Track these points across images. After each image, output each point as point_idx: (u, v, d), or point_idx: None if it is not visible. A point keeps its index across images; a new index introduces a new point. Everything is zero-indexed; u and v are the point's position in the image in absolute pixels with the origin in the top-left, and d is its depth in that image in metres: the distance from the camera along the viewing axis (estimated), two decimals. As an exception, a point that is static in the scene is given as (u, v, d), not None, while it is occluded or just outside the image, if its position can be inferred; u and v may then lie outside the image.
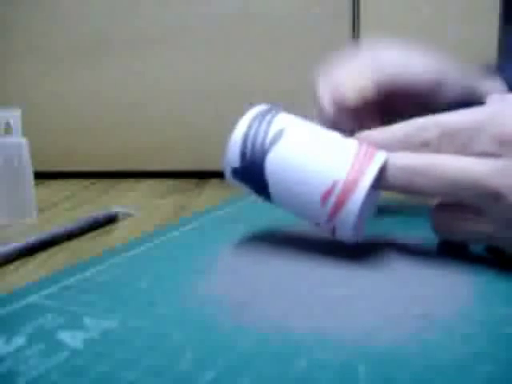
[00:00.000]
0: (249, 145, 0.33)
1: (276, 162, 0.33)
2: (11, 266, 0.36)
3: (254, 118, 0.34)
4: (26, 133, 0.50)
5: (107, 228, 0.46)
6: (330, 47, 0.71)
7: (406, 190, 0.31)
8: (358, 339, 0.23)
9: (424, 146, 0.31)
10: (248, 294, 0.28)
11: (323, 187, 0.31)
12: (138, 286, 0.29)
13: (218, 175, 0.73)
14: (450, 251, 0.34)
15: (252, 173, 0.34)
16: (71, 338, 0.23)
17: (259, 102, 0.35)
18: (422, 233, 0.38)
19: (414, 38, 0.69)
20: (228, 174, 0.35)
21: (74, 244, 0.41)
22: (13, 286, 0.32)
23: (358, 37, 0.69)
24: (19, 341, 0.23)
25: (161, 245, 0.37)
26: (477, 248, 0.34)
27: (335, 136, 0.33)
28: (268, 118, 0.34)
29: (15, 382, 0.20)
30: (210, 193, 0.63)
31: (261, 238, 0.39)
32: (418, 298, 0.27)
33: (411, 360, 0.21)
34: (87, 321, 0.25)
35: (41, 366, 0.21)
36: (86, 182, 0.72)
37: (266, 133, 0.33)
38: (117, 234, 0.44)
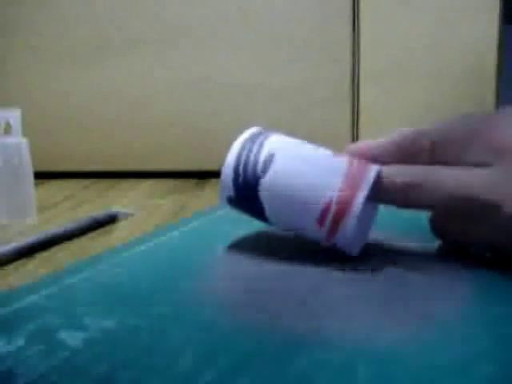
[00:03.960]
0: (241, 173, 0.33)
1: (269, 189, 0.32)
2: (11, 266, 0.36)
3: (244, 145, 0.33)
4: (26, 133, 0.50)
5: (107, 228, 0.46)
6: (330, 47, 0.71)
7: (402, 204, 0.31)
8: (358, 339, 0.23)
9: (417, 157, 0.31)
10: (248, 294, 0.28)
11: (318, 209, 0.31)
12: (137, 286, 0.29)
13: (218, 175, 0.73)
14: (451, 251, 0.34)
15: (247, 200, 0.33)
16: (71, 338, 0.23)
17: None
18: (422, 233, 0.38)
19: (414, 38, 0.70)
20: (224, 201, 0.35)
21: (74, 244, 0.41)
22: (13, 286, 0.32)
23: (358, 37, 0.69)
24: (19, 341, 0.23)
25: (161, 245, 0.37)
26: (477, 248, 0.34)
27: (326, 154, 0.33)
28: (258, 142, 0.33)
29: (15, 382, 0.20)
30: (210, 193, 0.63)
31: (260, 237, 0.38)
32: (418, 298, 0.27)
33: (411, 360, 0.21)
34: (87, 321, 0.25)
35: (41, 365, 0.21)
36: (85, 182, 0.72)
37: (257, 159, 0.33)
38: (117, 234, 0.44)
